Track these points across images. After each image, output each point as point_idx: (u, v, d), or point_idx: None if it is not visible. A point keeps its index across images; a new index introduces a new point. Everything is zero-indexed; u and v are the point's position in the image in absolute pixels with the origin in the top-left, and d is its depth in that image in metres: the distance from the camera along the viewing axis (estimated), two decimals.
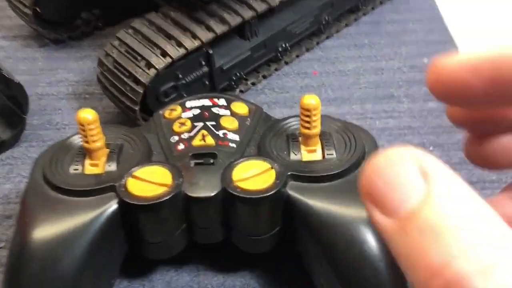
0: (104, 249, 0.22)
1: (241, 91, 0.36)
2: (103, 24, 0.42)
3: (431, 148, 0.31)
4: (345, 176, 0.23)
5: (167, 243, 0.23)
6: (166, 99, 0.32)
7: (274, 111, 0.35)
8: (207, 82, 0.34)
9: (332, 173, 0.23)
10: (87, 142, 0.23)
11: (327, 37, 0.40)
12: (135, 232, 0.23)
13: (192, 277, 0.25)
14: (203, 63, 0.33)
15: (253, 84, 0.37)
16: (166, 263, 0.26)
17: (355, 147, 0.24)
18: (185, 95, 0.33)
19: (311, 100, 0.23)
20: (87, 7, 0.41)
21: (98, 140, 0.23)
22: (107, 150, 0.24)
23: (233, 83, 0.35)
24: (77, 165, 0.24)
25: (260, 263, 0.25)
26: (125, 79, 0.30)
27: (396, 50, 0.39)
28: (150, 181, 0.22)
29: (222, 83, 0.35)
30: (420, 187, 0.12)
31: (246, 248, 0.24)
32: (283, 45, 0.37)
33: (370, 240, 0.21)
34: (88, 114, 0.23)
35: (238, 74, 0.35)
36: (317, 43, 0.40)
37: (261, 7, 0.33)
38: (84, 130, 0.23)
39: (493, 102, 0.16)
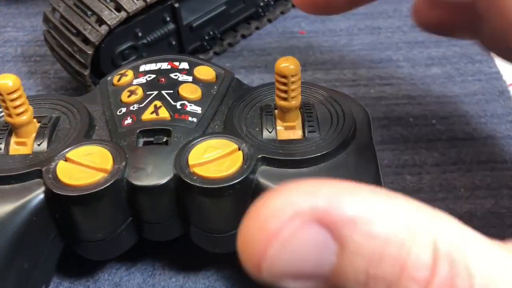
0: (29, 250, 0.18)
1: (216, 53, 0.31)
2: None
3: (434, 121, 0.27)
4: (329, 159, 0.18)
5: (109, 241, 0.19)
6: (124, 62, 0.27)
7: (253, 77, 0.30)
8: (173, 42, 0.29)
9: (314, 155, 0.18)
10: (9, 115, 0.19)
11: None
12: (69, 228, 0.18)
13: (145, 278, 0.21)
14: (168, 19, 0.28)
15: (230, 45, 0.32)
16: (116, 260, 0.22)
17: (343, 122, 0.19)
18: (146, 57, 0.28)
19: (288, 64, 0.18)
20: None
21: (23, 113, 0.19)
22: (38, 125, 0.20)
23: (205, 44, 0.30)
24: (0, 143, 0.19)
25: (227, 262, 0.21)
26: (72, 38, 0.25)
27: (395, 7, 0.34)
28: (85, 165, 0.18)
29: (192, 44, 0.30)
30: (330, 248, 0.10)
31: (208, 247, 0.20)
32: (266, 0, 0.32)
33: None
34: (8, 80, 0.18)
35: (211, 33, 0.30)
36: None
37: None
38: (4, 101, 0.18)
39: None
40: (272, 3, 0.32)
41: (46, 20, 0.27)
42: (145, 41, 0.27)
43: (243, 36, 0.32)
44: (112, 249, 0.19)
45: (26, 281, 0.18)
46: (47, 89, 0.30)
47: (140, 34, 0.27)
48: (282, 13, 0.34)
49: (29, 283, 0.18)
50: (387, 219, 0.10)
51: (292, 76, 0.18)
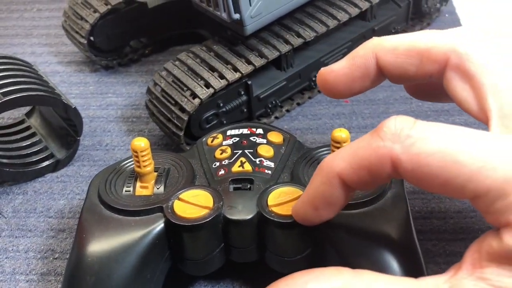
0: (151, 264, 0.25)
1: (276, 118, 0.39)
2: (149, 51, 0.46)
3: None
4: (371, 204, 0.25)
5: (207, 261, 0.25)
6: (207, 126, 0.34)
7: (307, 137, 0.37)
8: (245, 110, 0.36)
9: (360, 201, 0.24)
10: (139, 167, 0.26)
11: None
12: (179, 250, 0.25)
13: None
14: (242, 92, 0.35)
15: (288, 111, 0.39)
16: (204, 278, 0.28)
17: None
18: (224, 121, 0.35)
19: (341, 133, 0.25)
20: (135, 36, 0.45)
21: (148, 165, 0.26)
22: (156, 174, 0.27)
23: (269, 111, 0.38)
24: (128, 187, 0.27)
25: None
26: (171, 107, 0.33)
27: None
28: (194, 204, 0.25)
29: (258, 111, 0.37)
30: None
31: (278, 268, 0.26)
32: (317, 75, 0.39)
33: (394, 265, 0.23)
34: (141, 142, 0.26)
35: (274, 102, 0.37)
36: None
37: (297, 42, 0.35)
38: (137, 156, 0.26)
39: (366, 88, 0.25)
40: None
41: (149, 92, 0.35)
42: (224, 109, 0.35)
43: (298, 104, 0.39)
44: (207, 267, 0.26)
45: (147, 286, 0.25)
46: None
47: (221, 104, 0.34)
48: None
49: None
50: None
51: (344, 142, 0.25)
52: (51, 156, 0.36)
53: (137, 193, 0.26)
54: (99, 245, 0.24)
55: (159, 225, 0.25)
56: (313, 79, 0.39)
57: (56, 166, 0.36)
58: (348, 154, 0.20)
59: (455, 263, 0.28)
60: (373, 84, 0.25)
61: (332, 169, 0.20)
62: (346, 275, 0.19)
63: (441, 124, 0.19)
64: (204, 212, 0.24)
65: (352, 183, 0.20)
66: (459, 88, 0.22)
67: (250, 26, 0.33)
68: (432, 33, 0.23)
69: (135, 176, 0.27)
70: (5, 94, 0.32)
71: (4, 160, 0.35)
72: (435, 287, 0.19)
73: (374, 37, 0.25)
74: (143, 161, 0.26)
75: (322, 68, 0.25)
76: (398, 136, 0.19)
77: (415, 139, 0.18)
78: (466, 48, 0.21)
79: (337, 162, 0.20)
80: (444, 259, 0.28)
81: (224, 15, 0.32)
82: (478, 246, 0.20)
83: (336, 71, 0.25)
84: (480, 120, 0.21)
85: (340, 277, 0.19)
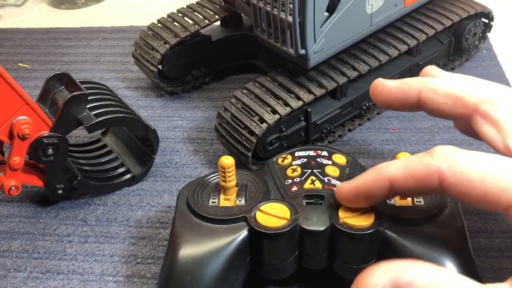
0: (236, 267, 0.28)
1: (329, 142, 0.42)
2: (209, 79, 0.50)
3: None
4: (431, 220, 0.28)
5: (283, 266, 0.29)
6: (270, 147, 0.38)
7: (359, 160, 0.40)
8: (303, 134, 0.40)
9: (421, 217, 0.28)
10: (224, 181, 0.30)
11: None
12: (259, 255, 0.29)
13: None
14: (302, 118, 0.39)
15: (340, 136, 0.43)
16: (276, 282, 0.31)
17: (439, 196, 0.29)
18: (285, 144, 0.39)
19: (405, 156, 0.29)
20: (197, 65, 0.49)
21: (232, 180, 0.30)
22: (237, 188, 0.31)
23: (323, 135, 0.41)
24: (214, 199, 0.30)
25: None
26: (241, 130, 0.37)
27: None
28: (273, 215, 0.28)
29: (314, 135, 0.41)
30: None
31: (345, 275, 0.29)
32: (367, 104, 0.43)
33: (454, 271, 0.26)
34: (228, 160, 0.29)
35: (328, 127, 0.41)
36: None
37: (352, 74, 0.39)
38: (224, 172, 0.30)
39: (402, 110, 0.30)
40: (371, 106, 0.43)
41: (220, 116, 0.39)
42: (286, 133, 0.39)
43: (349, 130, 0.43)
44: (283, 272, 0.29)
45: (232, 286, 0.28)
46: (209, 163, 0.41)
47: (283, 128, 0.38)
48: (378, 113, 0.45)
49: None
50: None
51: None
52: (128, 171, 0.40)
53: (221, 205, 0.30)
54: (193, 249, 0.28)
55: (244, 233, 0.28)
56: (364, 108, 0.43)
57: (132, 181, 0.40)
58: (403, 165, 0.25)
59: (503, 278, 0.31)
60: (408, 109, 0.30)
61: (386, 173, 0.25)
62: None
63: (479, 152, 0.24)
64: (283, 222, 0.28)
65: (397, 188, 0.25)
66: (486, 130, 0.27)
67: (313, 60, 0.37)
68: (467, 82, 0.28)
69: (219, 189, 0.31)
70: (97, 115, 0.36)
71: (89, 174, 0.39)
72: None
73: (424, 76, 0.30)
74: (229, 177, 0.30)
75: (379, 78, 0.31)
76: (446, 158, 0.24)
77: (459, 161, 0.23)
78: (493, 99, 0.27)
79: (391, 169, 0.25)
80: (492, 274, 0.31)
81: (291, 50, 0.36)
82: None
83: (386, 85, 0.30)
84: (506, 155, 0.26)
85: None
